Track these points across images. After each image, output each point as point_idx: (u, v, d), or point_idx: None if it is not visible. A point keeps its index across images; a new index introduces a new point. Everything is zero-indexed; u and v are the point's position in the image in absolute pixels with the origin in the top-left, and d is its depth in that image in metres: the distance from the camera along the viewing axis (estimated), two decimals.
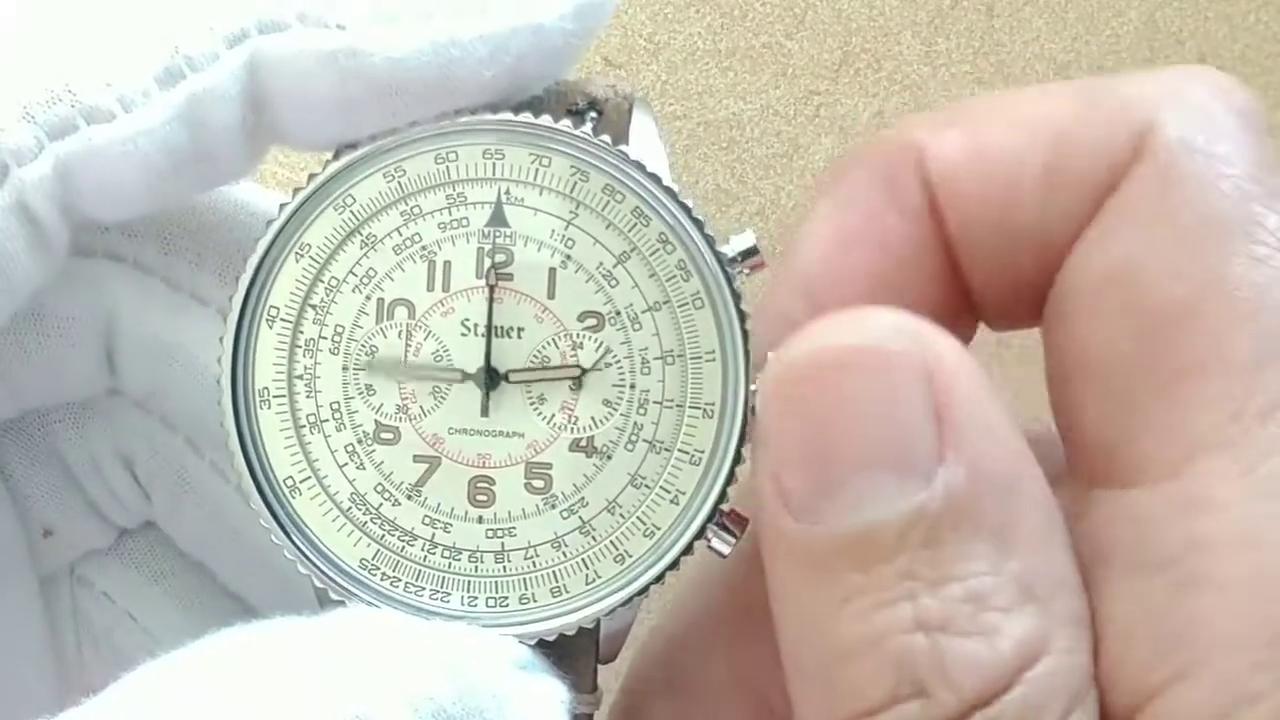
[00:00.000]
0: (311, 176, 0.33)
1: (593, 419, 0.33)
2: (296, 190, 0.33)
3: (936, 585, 0.27)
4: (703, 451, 0.33)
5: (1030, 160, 0.31)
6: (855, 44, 0.57)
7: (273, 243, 0.33)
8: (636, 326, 0.33)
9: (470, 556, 0.33)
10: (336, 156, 0.33)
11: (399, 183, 0.33)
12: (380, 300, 0.33)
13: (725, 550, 0.33)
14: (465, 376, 0.33)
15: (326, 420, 0.33)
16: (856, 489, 0.28)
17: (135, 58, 0.31)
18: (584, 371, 0.33)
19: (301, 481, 0.33)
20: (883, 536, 0.28)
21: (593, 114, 0.33)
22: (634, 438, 0.33)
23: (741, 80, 0.56)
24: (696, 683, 0.35)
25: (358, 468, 0.33)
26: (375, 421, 0.33)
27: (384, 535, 0.33)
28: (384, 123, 0.32)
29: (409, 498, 0.33)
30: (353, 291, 0.33)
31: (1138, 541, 0.28)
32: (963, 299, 0.33)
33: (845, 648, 0.28)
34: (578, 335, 0.33)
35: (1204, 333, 0.28)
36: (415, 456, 0.33)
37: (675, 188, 0.32)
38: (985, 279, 0.32)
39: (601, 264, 0.33)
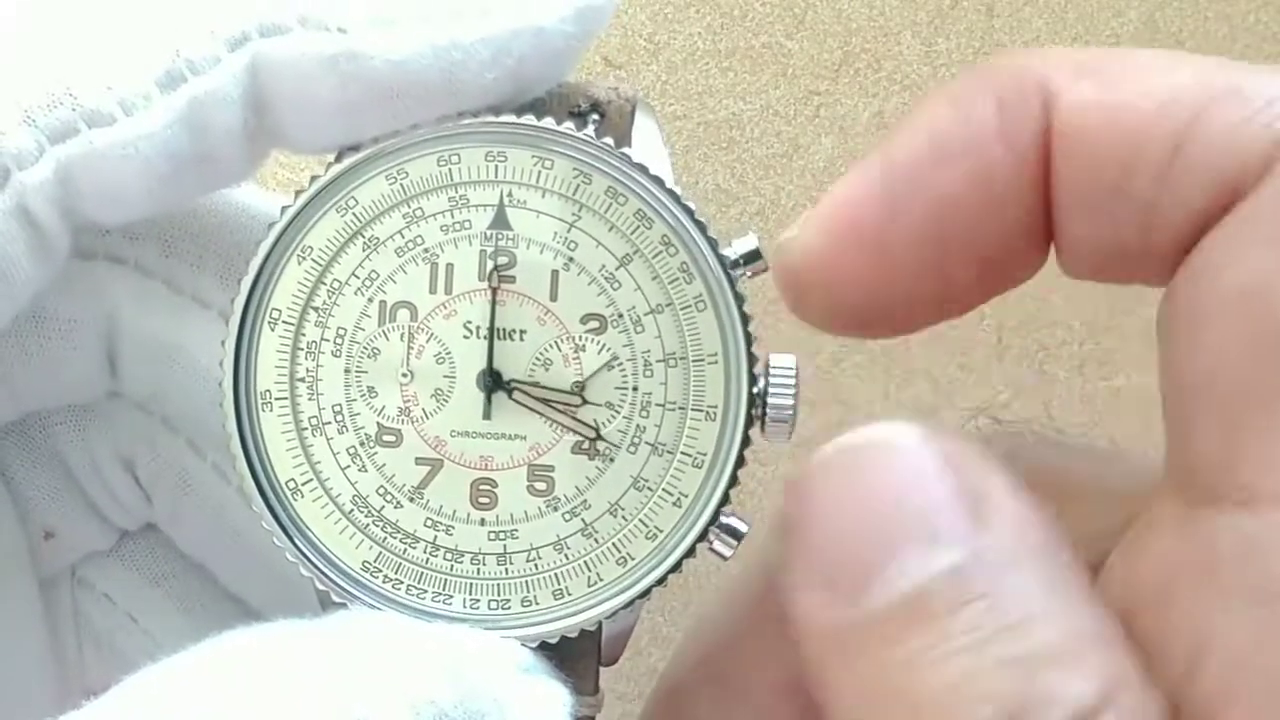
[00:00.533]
0: (313, 179, 0.33)
1: (595, 421, 0.33)
2: (298, 192, 0.33)
3: (1006, 631, 0.27)
4: (705, 454, 0.33)
5: (1160, 135, 0.30)
6: (855, 44, 0.57)
7: (274, 245, 0.33)
8: (639, 329, 0.33)
9: (472, 559, 0.33)
10: (338, 159, 0.33)
11: (401, 185, 0.33)
12: (383, 303, 0.33)
13: (727, 553, 0.33)
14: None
15: (329, 423, 0.33)
16: (899, 562, 0.28)
17: (136, 61, 0.31)
18: (584, 401, 0.33)
19: (304, 484, 0.33)
20: (937, 596, 0.28)
21: (595, 116, 0.33)
22: (636, 440, 0.33)
23: (741, 80, 0.56)
24: (744, 680, 0.35)
25: (360, 470, 0.33)
26: (377, 424, 0.33)
27: (386, 538, 0.33)
28: (385, 125, 0.32)
29: (411, 500, 0.33)
30: (355, 294, 0.33)
31: (1250, 571, 0.28)
32: (1039, 242, 0.32)
33: (928, 700, 0.28)
34: (580, 338, 0.33)
35: None
36: (417, 459, 0.33)
37: (678, 190, 0.32)
38: (1080, 235, 0.31)
39: (604, 266, 0.33)
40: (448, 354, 0.33)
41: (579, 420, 0.33)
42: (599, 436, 0.33)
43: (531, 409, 0.33)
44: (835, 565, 0.29)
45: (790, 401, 0.33)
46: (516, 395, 0.33)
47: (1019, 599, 0.28)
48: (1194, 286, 0.30)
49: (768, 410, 0.33)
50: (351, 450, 0.33)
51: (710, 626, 0.37)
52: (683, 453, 0.33)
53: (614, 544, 0.33)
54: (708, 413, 0.33)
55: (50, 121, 0.30)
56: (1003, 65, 0.32)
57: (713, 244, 0.32)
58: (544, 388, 0.33)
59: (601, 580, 0.33)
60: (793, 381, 0.33)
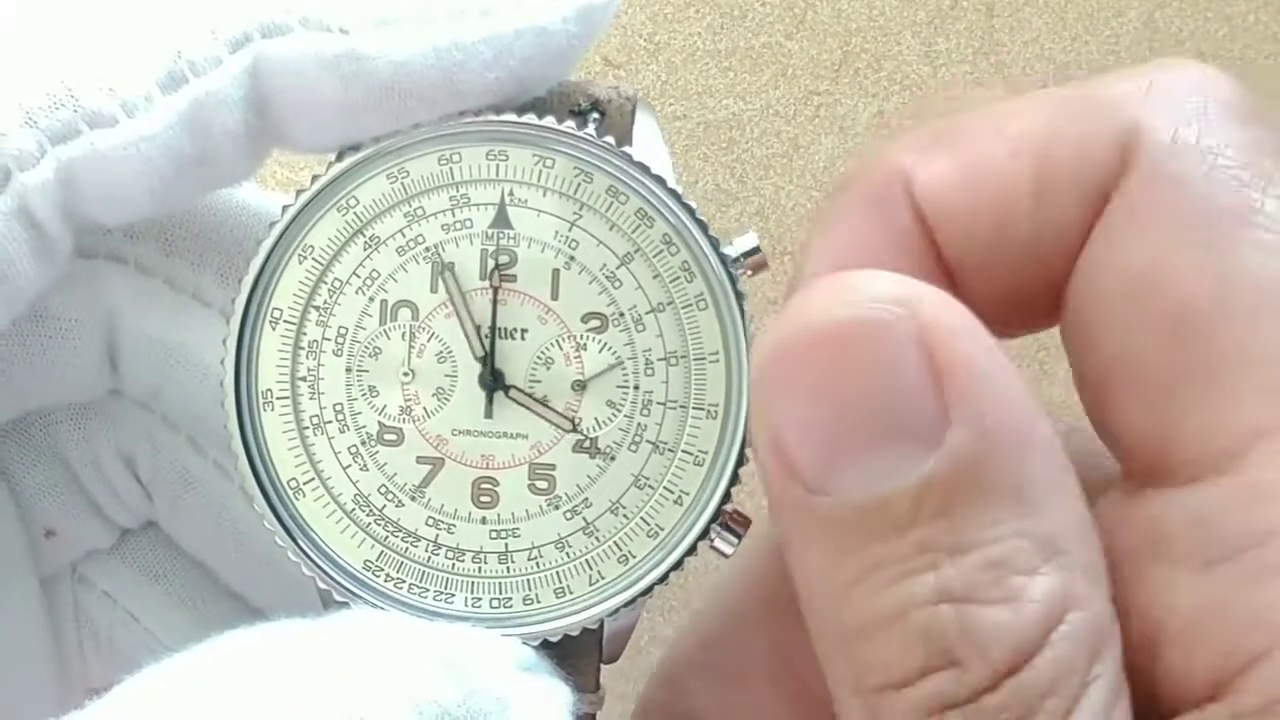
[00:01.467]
0: (314, 178, 0.33)
1: (596, 420, 0.33)
2: (299, 192, 0.33)
3: (956, 554, 0.27)
4: (706, 452, 0.33)
5: (1017, 175, 0.31)
6: (855, 44, 0.57)
7: (276, 244, 0.33)
8: (640, 328, 0.33)
9: (474, 557, 0.33)
10: (339, 158, 0.33)
11: (402, 184, 0.33)
12: (384, 302, 0.33)
13: (729, 551, 0.33)
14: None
15: (330, 422, 0.33)
16: (865, 461, 0.28)
17: (138, 62, 0.31)
18: (575, 427, 0.33)
19: (305, 483, 0.33)
20: (896, 508, 0.28)
21: (596, 115, 0.33)
22: (637, 439, 0.33)
23: (741, 80, 0.56)
24: (737, 663, 0.35)
25: (361, 469, 0.33)
26: (379, 423, 0.33)
27: (388, 536, 0.33)
28: (387, 125, 0.32)
29: (413, 499, 0.33)
30: (356, 293, 0.33)
31: (1202, 535, 0.28)
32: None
33: (871, 621, 0.28)
34: (581, 336, 0.33)
35: (1234, 325, 0.29)
36: (419, 458, 0.33)
37: (679, 189, 0.32)
38: (985, 293, 0.32)
39: (605, 265, 0.33)
40: (449, 353, 0.33)
41: (561, 415, 0.33)
42: (574, 428, 0.33)
43: (528, 408, 0.33)
44: (803, 445, 0.28)
45: None
46: (513, 394, 0.33)
47: (976, 515, 0.27)
48: (1085, 286, 0.30)
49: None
50: (353, 449, 0.33)
51: (707, 613, 0.37)
52: (684, 451, 0.33)
53: (615, 542, 0.33)
54: (709, 411, 0.33)
55: (52, 123, 0.30)
56: (865, 169, 0.33)
57: (714, 243, 0.32)
58: (543, 403, 0.33)
59: (603, 578, 0.33)
60: None
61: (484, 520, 0.33)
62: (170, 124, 0.31)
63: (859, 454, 0.28)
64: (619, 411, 0.33)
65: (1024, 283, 0.32)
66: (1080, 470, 0.29)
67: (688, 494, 0.33)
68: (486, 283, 0.33)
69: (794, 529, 0.29)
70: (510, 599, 0.33)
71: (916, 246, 0.32)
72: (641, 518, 0.33)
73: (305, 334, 0.33)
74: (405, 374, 0.33)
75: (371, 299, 0.33)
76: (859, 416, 0.28)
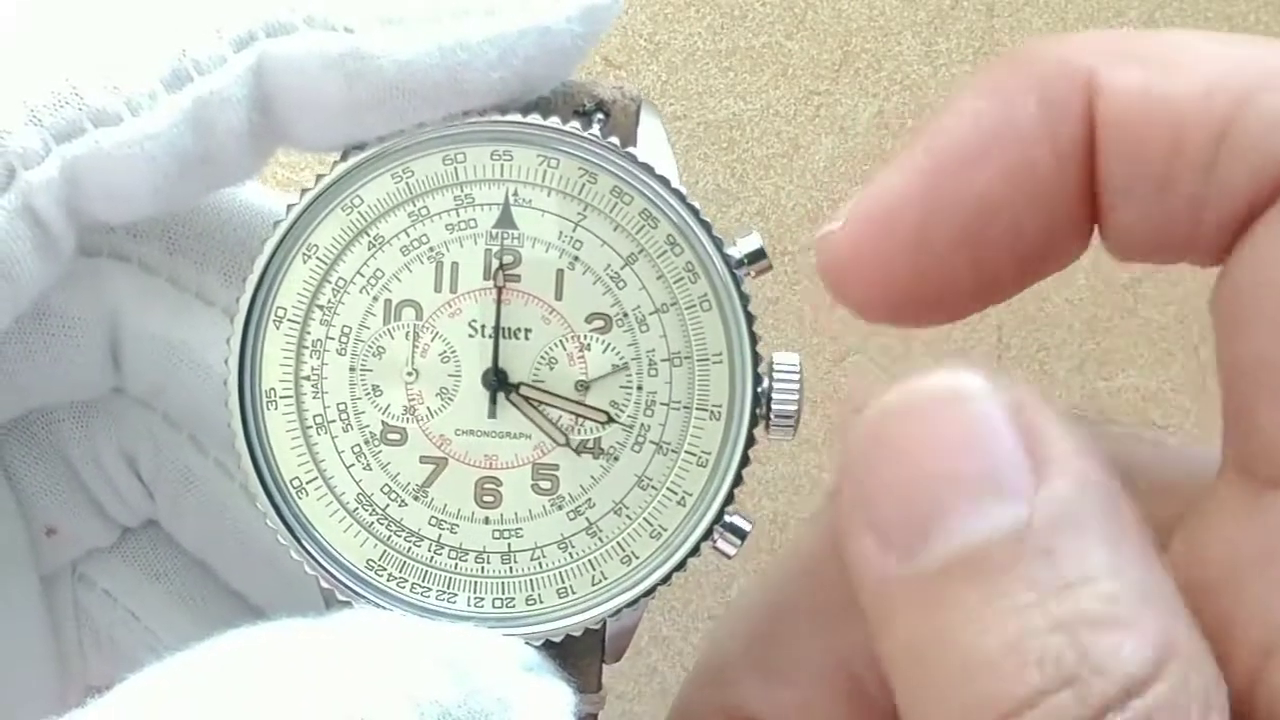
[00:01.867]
0: (319, 177, 0.33)
1: (608, 406, 0.33)
2: (304, 191, 0.33)
3: (1063, 590, 0.27)
4: (710, 453, 0.33)
5: (1206, 121, 0.30)
6: (855, 44, 0.57)
7: (280, 243, 0.33)
8: (644, 328, 0.33)
9: (477, 557, 0.33)
10: (344, 157, 0.33)
11: (407, 184, 0.33)
12: (388, 301, 0.33)
13: (731, 552, 0.33)
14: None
15: (333, 421, 0.33)
16: (960, 514, 0.28)
17: (142, 61, 0.31)
18: (567, 441, 0.33)
19: (308, 482, 0.33)
20: (995, 555, 0.27)
21: (600, 115, 0.33)
22: (641, 439, 0.33)
23: (741, 80, 0.56)
24: (790, 662, 0.35)
25: (364, 469, 0.33)
26: (382, 422, 0.33)
27: (390, 536, 0.33)
28: (391, 125, 0.32)
29: (416, 498, 0.33)
30: (360, 292, 0.33)
31: None
32: (1082, 231, 0.32)
33: (980, 659, 0.28)
34: (585, 337, 0.33)
35: None
36: (422, 457, 0.33)
37: (684, 190, 0.32)
38: (1127, 222, 0.31)
39: (609, 266, 0.33)
40: (453, 353, 0.33)
41: (590, 407, 0.33)
42: (611, 419, 0.33)
43: (531, 414, 0.33)
44: (893, 516, 0.28)
45: (795, 400, 0.33)
46: (516, 397, 0.33)
47: (1079, 557, 0.27)
48: (1247, 273, 0.30)
49: (772, 409, 0.33)
50: (356, 448, 0.33)
51: (754, 610, 0.37)
52: (687, 452, 0.33)
53: (618, 543, 0.33)
54: (712, 412, 0.33)
55: (56, 121, 0.30)
56: (1044, 54, 0.31)
57: (718, 244, 0.32)
58: (549, 392, 0.33)
59: (606, 579, 0.33)
60: (797, 380, 0.33)
61: (487, 520, 0.33)
62: (174, 122, 0.31)
63: (952, 513, 0.28)
64: (622, 412, 0.33)
65: (1174, 227, 0.31)
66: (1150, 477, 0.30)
67: (691, 495, 0.33)
68: (490, 282, 0.33)
69: (884, 600, 0.29)
70: (513, 599, 0.33)
71: (1075, 157, 0.31)
72: (645, 518, 0.33)
73: (309, 333, 0.33)
74: (409, 373, 0.33)
75: (375, 298, 0.33)
76: (950, 476, 0.28)
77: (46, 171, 0.30)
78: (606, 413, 0.33)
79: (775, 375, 0.33)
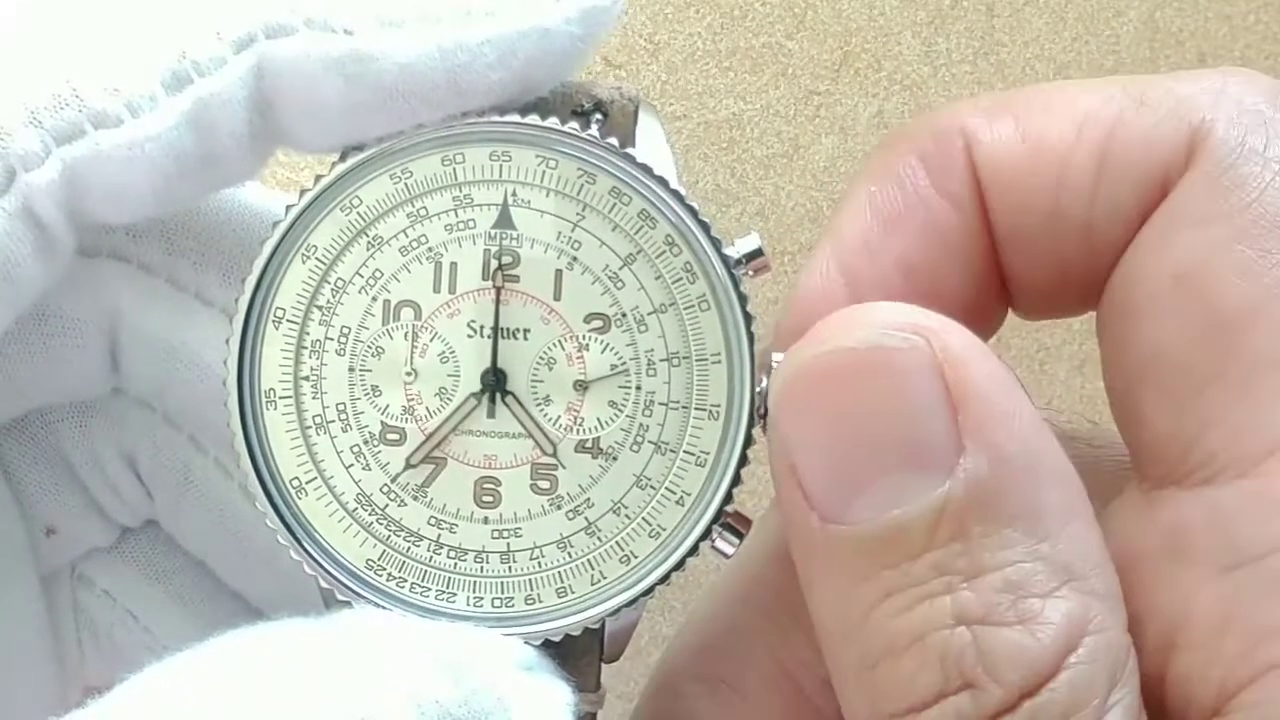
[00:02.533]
0: (317, 178, 0.33)
1: (598, 420, 0.33)
2: (303, 191, 0.33)
3: (972, 577, 0.28)
4: (708, 453, 0.33)
5: (1081, 154, 0.31)
6: (855, 44, 0.57)
7: (279, 244, 0.33)
8: (642, 328, 0.33)
9: (476, 557, 0.33)
10: (343, 158, 0.33)
11: (406, 184, 0.33)
12: (386, 301, 0.33)
13: (730, 551, 0.33)
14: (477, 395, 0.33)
15: (333, 421, 0.33)
16: (880, 489, 0.28)
17: (142, 63, 0.31)
18: (555, 450, 0.33)
19: (308, 482, 0.33)
20: (911, 533, 0.28)
21: (598, 116, 0.34)
22: (639, 439, 0.33)
23: (741, 80, 0.56)
24: (737, 673, 0.35)
25: (364, 469, 0.33)
26: (381, 423, 0.33)
27: (390, 536, 0.33)
28: (390, 126, 0.32)
29: (415, 498, 0.33)
30: (359, 293, 0.33)
31: (1221, 539, 0.29)
32: (998, 287, 0.33)
33: (887, 645, 0.28)
34: (584, 337, 0.33)
35: (1274, 333, 0.29)
36: (421, 457, 0.33)
37: (682, 190, 0.32)
38: (1027, 269, 0.32)
39: (608, 266, 0.33)
40: (451, 353, 0.33)
41: (545, 436, 0.33)
42: (554, 452, 0.33)
43: (535, 401, 0.33)
44: (817, 477, 0.29)
45: None
46: (511, 400, 0.33)
47: (995, 539, 0.28)
48: (1130, 276, 0.31)
49: (770, 409, 0.33)
50: (355, 448, 0.33)
51: (702, 621, 0.37)
52: (685, 451, 0.33)
53: (617, 542, 0.33)
54: (711, 412, 0.33)
55: (56, 123, 0.30)
56: (919, 128, 0.33)
57: (716, 244, 0.33)
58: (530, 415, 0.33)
59: (605, 578, 0.33)
60: None
61: (486, 520, 0.33)
62: (174, 124, 0.31)
63: (874, 481, 0.28)
64: (621, 412, 0.33)
65: (1069, 263, 0.32)
66: (1085, 477, 0.30)
67: (690, 494, 0.33)
68: (489, 283, 0.33)
69: (809, 557, 0.30)
70: (512, 598, 0.33)
71: (968, 210, 0.32)
72: (643, 518, 0.33)
73: (308, 333, 0.33)
74: (408, 374, 0.33)
75: (374, 299, 0.33)
76: (874, 444, 0.28)
77: (47, 173, 0.31)
78: (554, 444, 0.33)
79: (775, 372, 0.33)
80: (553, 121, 0.32)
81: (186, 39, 0.31)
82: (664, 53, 0.56)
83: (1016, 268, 0.32)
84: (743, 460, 0.33)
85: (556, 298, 0.33)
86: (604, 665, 0.34)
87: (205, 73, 0.31)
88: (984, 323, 0.33)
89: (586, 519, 0.33)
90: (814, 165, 0.56)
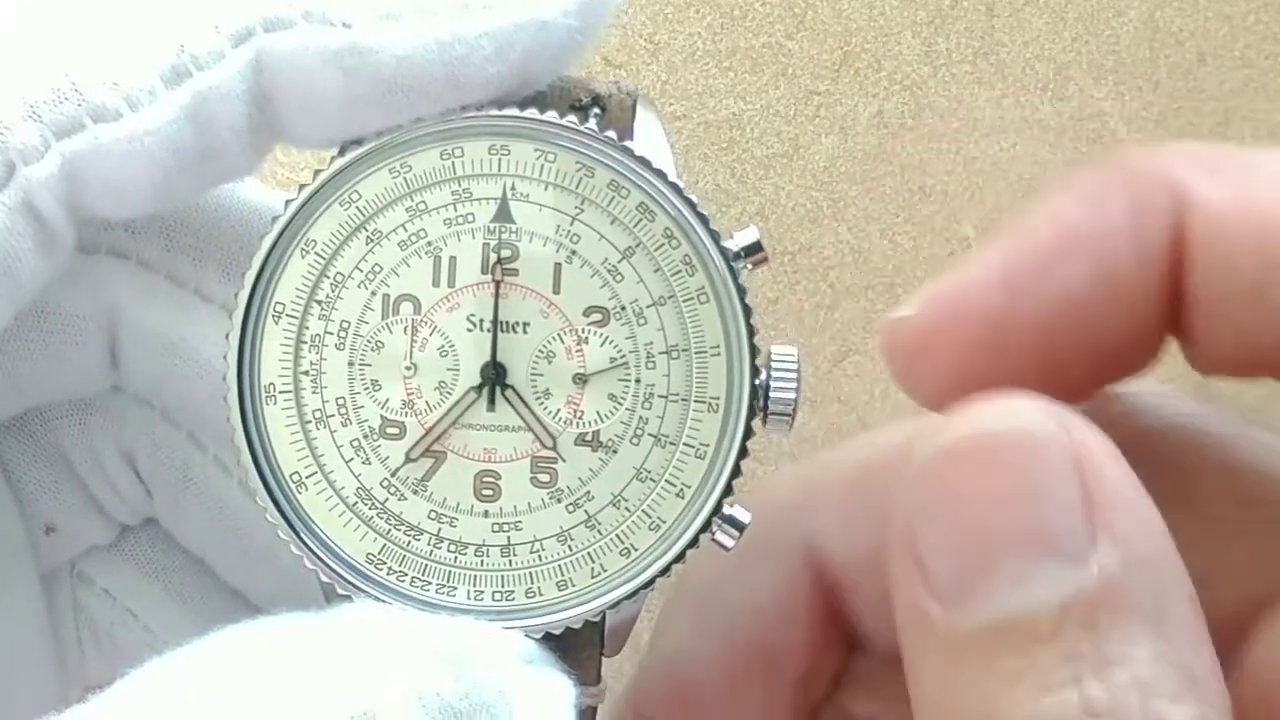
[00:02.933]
0: (316, 172, 0.33)
1: (598, 413, 0.33)
2: (302, 186, 0.33)
3: (1101, 669, 0.27)
4: (708, 445, 0.33)
5: None
6: (855, 44, 0.57)
7: (278, 239, 0.33)
8: (641, 321, 0.33)
9: (476, 550, 0.33)
10: (342, 153, 0.33)
11: (404, 179, 0.33)
12: (386, 296, 0.33)
13: (729, 544, 0.33)
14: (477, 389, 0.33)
15: (332, 415, 0.33)
16: (1009, 574, 0.27)
17: (141, 56, 0.31)
18: (555, 444, 0.33)
19: (308, 477, 0.33)
20: (1041, 620, 0.27)
21: (596, 110, 0.34)
22: (639, 432, 0.33)
23: (741, 80, 0.56)
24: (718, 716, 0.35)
25: (364, 463, 0.33)
26: (381, 417, 0.33)
27: (390, 530, 0.33)
28: (389, 120, 0.32)
29: (415, 492, 0.33)
30: (358, 287, 0.33)
31: None
32: (1159, 336, 0.32)
33: None
34: (583, 330, 0.33)
35: None
36: (421, 451, 0.33)
37: (680, 184, 0.33)
38: (1215, 333, 0.31)
39: (606, 259, 0.33)
40: (451, 347, 0.33)
41: (545, 429, 0.33)
42: (554, 445, 0.33)
43: (535, 394, 0.33)
44: (942, 563, 0.28)
45: (792, 393, 0.33)
46: (511, 393, 0.33)
47: (1122, 635, 0.27)
48: None
49: (770, 402, 0.33)
50: (355, 443, 0.33)
51: (683, 659, 0.37)
52: (685, 444, 0.33)
53: (617, 535, 0.33)
54: (710, 404, 0.33)
55: (56, 116, 0.30)
56: (1134, 162, 0.31)
57: (715, 237, 0.33)
58: (531, 410, 0.33)
59: (605, 571, 0.33)
60: (795, 373, 0.33)
61: (486, 514, 0.33)
62: (173, 118, 0.31)
63: (1001, 566, 0.28)
64: (620, 405, 0.33)
65: (1261, 341, 0.30)
66: None
67: (689, 487, 0.33)
68: (488, 277, 0.33)
69: (925, 644, 0.29)
70: (512, 592, 0.33)
71: (1158, 264, 0.31)
72: (643, 510, 0.33)
73: (308, 328, 0.33)
74: (407, 368, 0.33)
75: (373, 293, 0.33)
76: (1006, 528, 0.28)
77: (46, 167, 0.31)
78: (554, 438, 0.33)
79: (773, 367, 0.33)
80: (551, 115, 0.32)
81: (185, 32, 0.31)
82: (664, 53, 0.56)
83: (1204, 331, 0.31)
84: (742, 453, 0.33)
85: (555, 291, 0.33)
86: (605, 658, 0.34)
87: (204, 66, 0.31)
88: (1133, 363, 0.32)
89: (586, 512, 0.33)
90: (814, 165, 0.56)
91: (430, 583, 0.33)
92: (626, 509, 0.33)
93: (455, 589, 0.33)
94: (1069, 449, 0.28)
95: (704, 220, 0.33)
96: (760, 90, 0.56)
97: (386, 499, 0.33)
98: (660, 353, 0.33)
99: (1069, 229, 0.31)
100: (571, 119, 0.33)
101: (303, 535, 0.33)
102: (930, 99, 0.58)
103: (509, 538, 0.33)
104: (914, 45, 0.58)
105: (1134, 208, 0.31)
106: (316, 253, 0.33)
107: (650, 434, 0.33)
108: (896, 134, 0.57)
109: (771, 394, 0.33)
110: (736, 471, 0.33)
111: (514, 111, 0.32)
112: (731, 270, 0.33)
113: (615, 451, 0.33)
